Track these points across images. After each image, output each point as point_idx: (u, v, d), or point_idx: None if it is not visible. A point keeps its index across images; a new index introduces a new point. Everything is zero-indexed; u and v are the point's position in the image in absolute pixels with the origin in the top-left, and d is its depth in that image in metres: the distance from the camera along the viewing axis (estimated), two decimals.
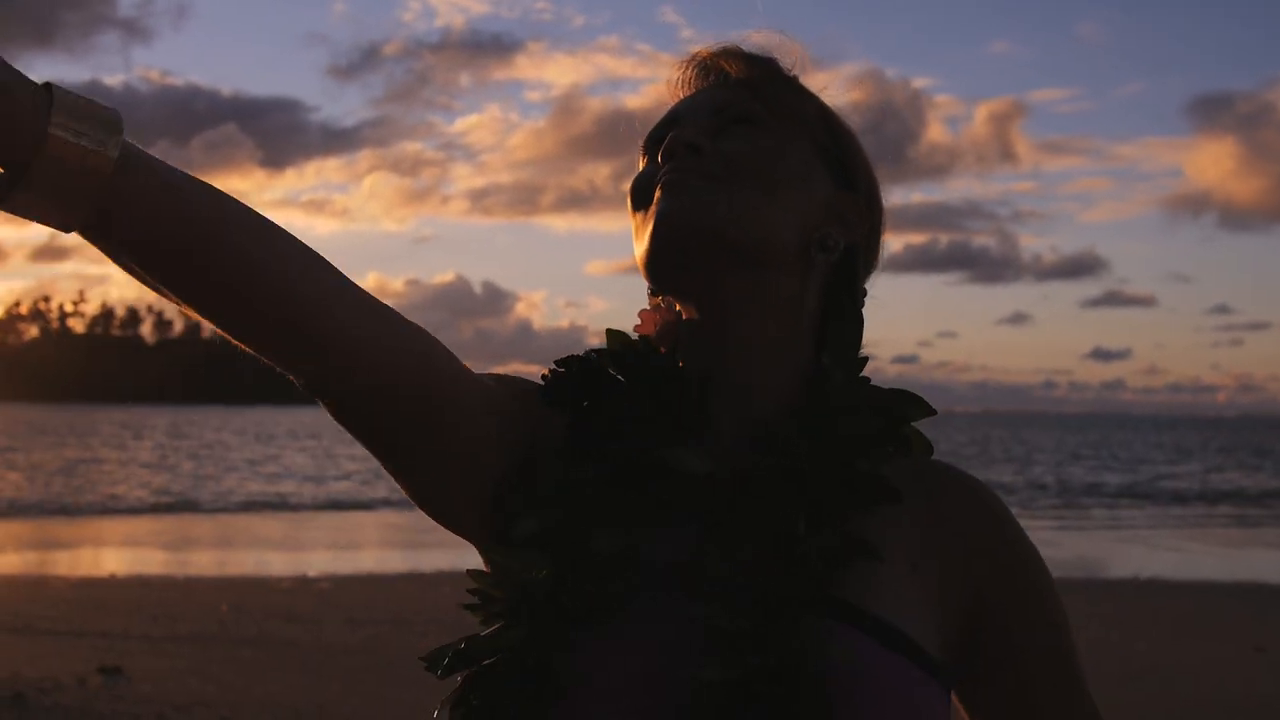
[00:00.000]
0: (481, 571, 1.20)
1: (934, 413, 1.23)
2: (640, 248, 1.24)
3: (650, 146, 1.30)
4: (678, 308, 1.29)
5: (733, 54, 1.31)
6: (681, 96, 1.33)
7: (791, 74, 1.32)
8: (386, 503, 28.12)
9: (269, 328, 1.07)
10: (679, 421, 1.21)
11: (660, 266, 1.22)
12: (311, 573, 14.91)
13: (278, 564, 16.89)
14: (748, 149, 1.23)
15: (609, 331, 1.30)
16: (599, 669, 1.11)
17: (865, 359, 1.25)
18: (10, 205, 0.95)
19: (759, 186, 1.21)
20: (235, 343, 1.10)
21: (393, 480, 1.22)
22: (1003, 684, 1.23)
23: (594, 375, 1.26)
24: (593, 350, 1.29)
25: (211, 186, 1.03)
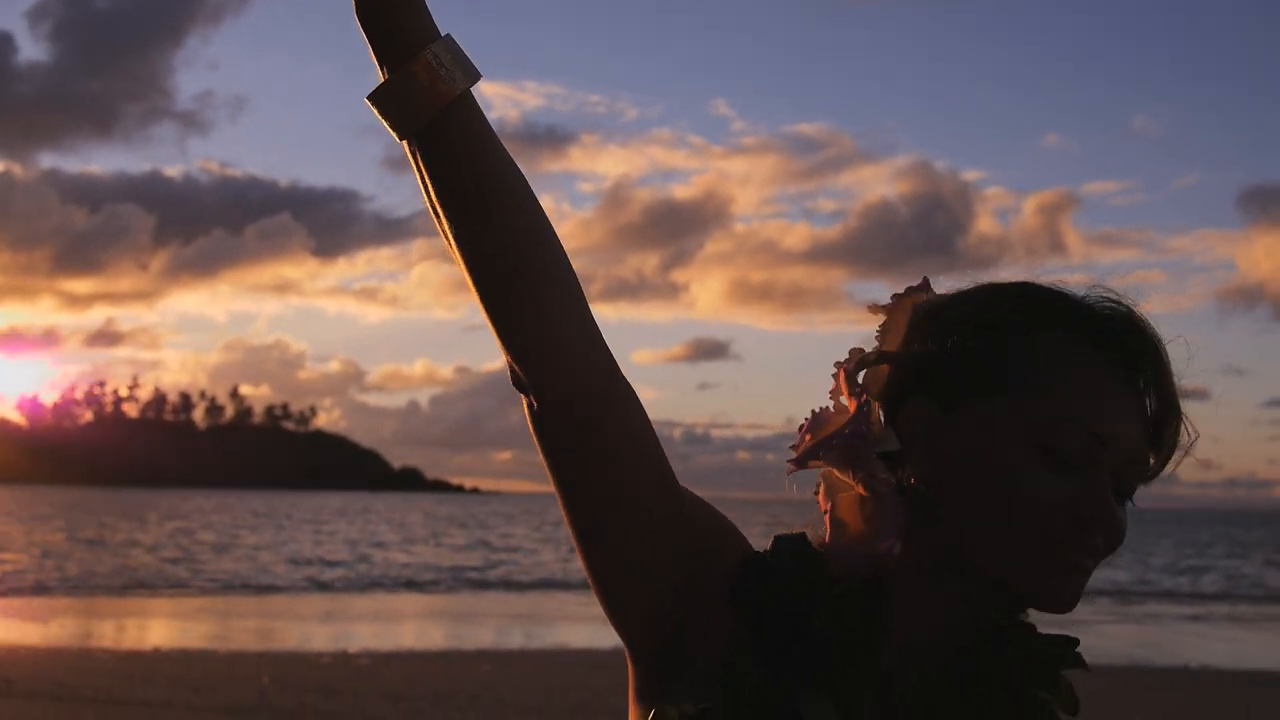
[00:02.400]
0: None
1: (1088, 668, 1.25)
2: (1028, 569, 1.17)
3: (1064, 431, 1.17)
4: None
5: (1163, 380, 1.22)
6: (1112, 389, 1.20)
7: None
8: (431, 583, 28.10)
9: (503, 295, 1.19)
10: (842, 659, 1.20)
11: (1041, 608, 1.20)
12: (352, 649, 14.91)
13: (319, 640, 16.90)
14: (1118, 541, 1.21)
15: (779, 539, 1.26)
16: None
17: (1032, 624, 1.26)
18: (375, 96, 1.17)
19: None
20: (474, 291, 1.20)
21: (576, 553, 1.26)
22: None
23: (777, 590, 1.23)
24: (796, 545, 1.26)
25: (511, 160, 1.19)
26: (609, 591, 1.24)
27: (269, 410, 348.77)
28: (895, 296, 1.29)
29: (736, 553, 1.24)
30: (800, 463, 1.25)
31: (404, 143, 1.18)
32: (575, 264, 1.25)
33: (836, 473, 1.24)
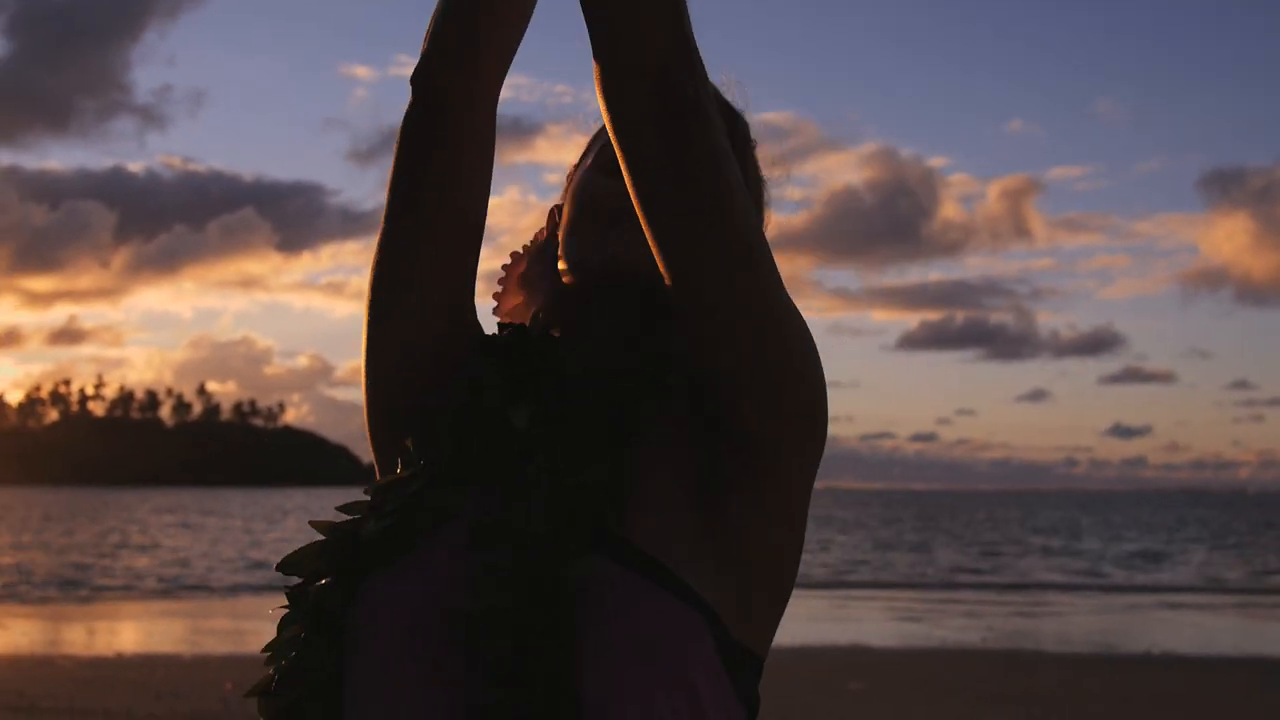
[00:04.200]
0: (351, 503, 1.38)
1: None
2: (601, 248, 1.42)
3: (611, 159, 1.42)
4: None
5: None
6: None
7: None
8: None
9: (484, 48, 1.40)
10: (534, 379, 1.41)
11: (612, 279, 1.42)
12: None
13: None
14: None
15: (502, 324, 1.53)
16: (382, 602, 1.28)
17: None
18: None
19: None
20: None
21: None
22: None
23: (515, 345, 1.46)
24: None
25: None
26: (375, 366, 1.43)
27: (237, 407, 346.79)
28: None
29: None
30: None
31: None
32: None
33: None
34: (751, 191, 1.50)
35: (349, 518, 1.35)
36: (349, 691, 1.28)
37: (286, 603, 1.33)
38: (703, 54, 1.29)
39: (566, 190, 1.55)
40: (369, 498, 1.36)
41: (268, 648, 1.32)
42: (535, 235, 1.58)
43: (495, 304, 1.55)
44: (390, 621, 1.26)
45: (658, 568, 1.23)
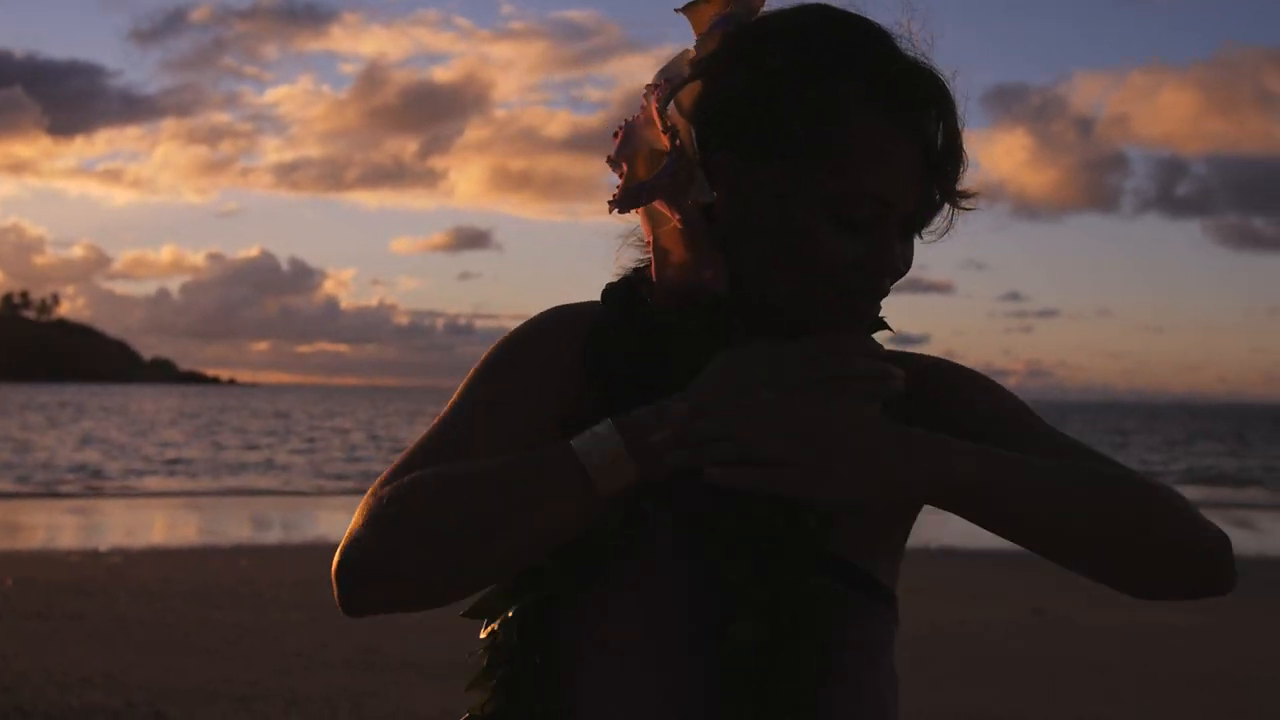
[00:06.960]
0: None
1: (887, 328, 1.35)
2: (816, 311, 1.23)
3: (853, 202, 1.21)
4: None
5: (950, 125, 1.27)
6: (895, 141, 1.22)
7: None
8: (187, 477, 27.37)
9: None
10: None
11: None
12: (103, 547, 14.45)
13: (66, 539, 16.31)
14: (901, 275, 1.27)
15: (605, 293, 1.31)
16: (611, 622, 1.22)
17: None
18: None
19: None
20: None
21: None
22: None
23: (610, 346, 1.27)
24: (619, 293, 1.30)
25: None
26: None
27: (7, 298, 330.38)
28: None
29: (578, 343, 1.27)
30: (621, 207, 1.25)
31: None
32: (333, 149, 1.20)
33: (658, 204, 1.25)
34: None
35: None
36: (581, 691, 1.23)
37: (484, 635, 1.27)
38: None
39: (637, 124, 1.26)
40: None
41: (473, 682, 1.27)
42: (635, 120, 1.27)
43: (613, 203, 1.26)
44: (620, 632, 1.22)
45: (870, 582, 1.27)
